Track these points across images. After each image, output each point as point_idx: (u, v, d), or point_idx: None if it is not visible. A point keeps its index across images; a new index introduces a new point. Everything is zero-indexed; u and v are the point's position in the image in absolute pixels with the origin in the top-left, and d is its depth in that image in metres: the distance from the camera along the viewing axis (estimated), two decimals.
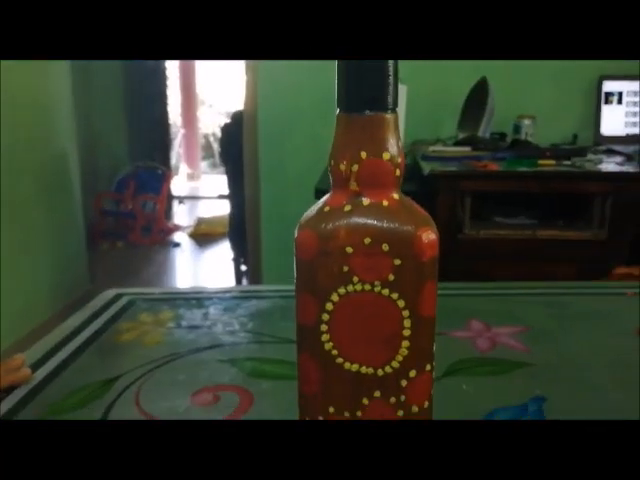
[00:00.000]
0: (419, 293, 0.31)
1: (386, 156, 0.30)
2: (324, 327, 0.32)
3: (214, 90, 6.52)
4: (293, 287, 0.32)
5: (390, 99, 0.30)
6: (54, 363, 0.56)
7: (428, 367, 0.32)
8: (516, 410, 0.45)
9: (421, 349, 0.32)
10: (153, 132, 4.68)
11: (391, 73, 0.30)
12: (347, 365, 0.32)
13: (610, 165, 1.70)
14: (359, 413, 0.32)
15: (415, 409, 0.32)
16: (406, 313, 0.31)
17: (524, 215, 1.69)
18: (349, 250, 0.31)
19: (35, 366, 0.55)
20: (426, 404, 0.33)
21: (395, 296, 0.30)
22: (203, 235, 4.00)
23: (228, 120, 2.51)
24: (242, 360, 0.55)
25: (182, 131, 6.09)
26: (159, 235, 3.94)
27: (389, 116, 0.30)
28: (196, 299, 0.72)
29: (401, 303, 0.30)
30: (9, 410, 0.47)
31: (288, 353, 0.57)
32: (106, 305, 0.71)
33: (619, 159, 1.79)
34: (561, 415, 0.44)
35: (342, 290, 0.31)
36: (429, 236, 0.30)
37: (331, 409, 0.33)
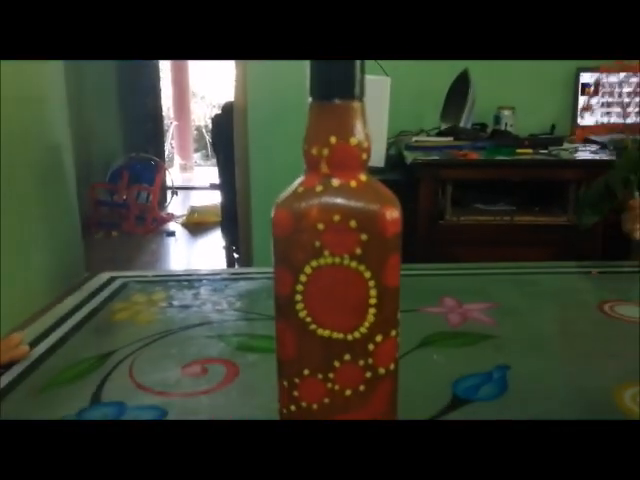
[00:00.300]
0: (383, 265, 0.34)
1: (353, 141, 0.34)
2: (299, 297, 0.35)
3: (206, 82, 6.52)
4: None
5: (357, 89, 0.33)
6: (51, 341, 0.59)
7: (393, 333, 0.35)
8: (481, 377, 0.49)
9: (386, 316, 0.35)
10: (146, 124, 4.69)
11: (358, 65, 0.33)
12: (320, 331, 0.35)
13: (585, 153, 1.75)
14: (331, 375, 0.36)
15: (382, 371, 0.35)
16: (372, 283, 0.34)
17: (503, 202, 1.74)
18: (320, 227, 0.34)
19: (33, 344, 0.58)
20: (392, 367, 0.36)
21: (362, 268, 0.34)
22: (196, 224, 4.02)
23: (219, 111, 2.53)
24: (230, 336, 0.59)
25: (175, 123, 6.09)
26: (153, 224, 3.96)
27: (356, 104, 0.34)
28: (187, 281, 0.76)
29: (367, 274, 0.34)
30: (9, 383, 0.50)
31: (272, 329, 0.60)
32: (100, 287, 0.75)
33: (594, 147, 1.84)
34: (523, 383, 0.48)
35: (314, 263, 0.34)
36: (392, 214, 0.34)
37: (306, 372, 0.36)
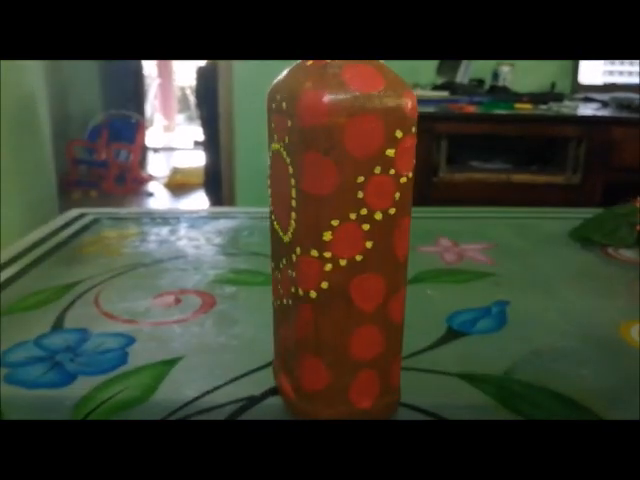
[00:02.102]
0: (300, 164, 0.27)
1: None
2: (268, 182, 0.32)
3: None
4: (262, 209, 0.31)
5: None
6: (13, 270, 0.54)
7: (314, 253, 0.28)
8: (478, 311, 0.45)
9: (307, 229, 0.28)
10: (127, 81, 4.54)
11: None
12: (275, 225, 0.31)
13: (586, 110, 1.71)
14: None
15: (300, 293, 0.29)
16: (292, 182, 0.28)
17: (499, 160, 1.69)
18: (271, 107, 0.30)
19: None
20: (312, 294, 0.28)
21: (288, 160, 0.28)
22: (178, 185, 3.93)
23: (203, 64, 2.44)
24: (207, 269, 0.55)
25: (158, 81, 5.92)
26: (133, 184, 3.86)
27: None
28: (163, 218, 0.71)
29: (290, 169, 0.28)
30: None
31: (253, 264, 0.56)
32: (70, 222, 0.70)
33: (595, 105, 1.80)
34: (523, 318, 0.44)
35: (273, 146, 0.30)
36: (320, 98, 0.25)
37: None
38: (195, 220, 0.70)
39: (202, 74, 2.43)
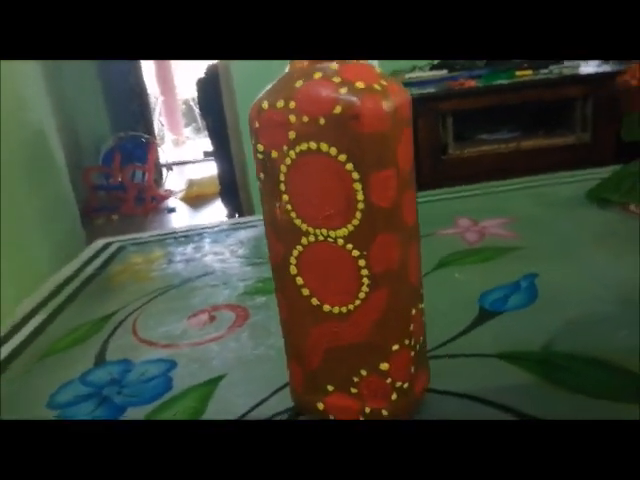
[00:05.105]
0: (370, 176, 0.27)
1: None
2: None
3: None
4: None
5: None
6: (49, 309, 0.56)
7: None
8: (508, 288, 0.45)
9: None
10: (131, 102, 4.59)
11: None
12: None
13: (588, 68, 1.67)
14: None
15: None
16: (357, 193, 0.27)
17: (506, 129, 1.67)
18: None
19: (30, 314, 0.55)
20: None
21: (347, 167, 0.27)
22: (196, 197, 3.97)
23: (203, 75, 2.45)
24: (235, 282, 0.55)
25: (161, 98, 5.97)
26: (152, 203, 3.92)
27: None
28: (185, 236, 0.72)
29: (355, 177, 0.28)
30: (9, 353, 0.47)
31: None
32: (96, 253, 0.71)
33: (596, 62, 1.76)
34: (554, 288, 0.44)
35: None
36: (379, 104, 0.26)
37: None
38: (217, 234, 0.71)
39: (202, 86, 2.45)
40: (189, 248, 0.67)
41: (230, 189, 2.57)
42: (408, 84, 1.71)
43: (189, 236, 0.72)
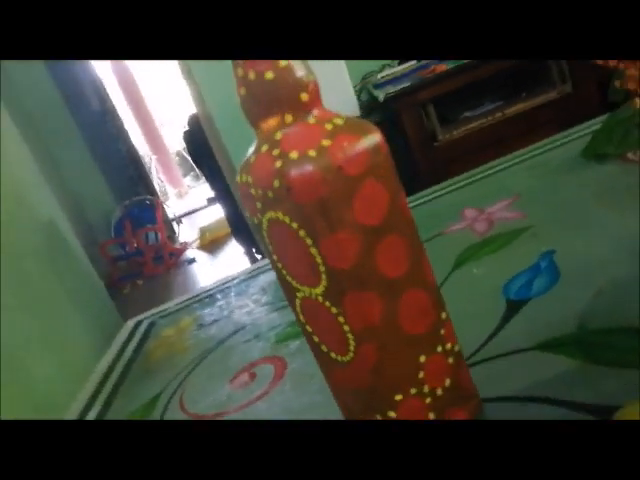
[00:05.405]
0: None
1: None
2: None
3: (167, 107, 6.47)
4: None
5: None
6: (102, 400, 0.57)
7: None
8: (529, 272, 0.45)
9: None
10: (127, 168, 4.67)
11: None
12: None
13: None
14: None
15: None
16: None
17: (487, 101, 1.67)
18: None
19: (87, 406, 0.56)
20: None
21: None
22: (210, 243, 4.01)
23: (186, 127, 2.49)
24: (266, 332, 0.56)
25: (154, 157, 6.06)
26: (171, 259, 3.96)
27: None
28: (209, 297, 0.73)
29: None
30: None
31: None
32: (130, 335, 0.73)
33: None
34: (573, 261, 0.44)
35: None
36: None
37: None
38: (237, 286, 0.72)
39: (189, 138, 2.48)
40: (215, 308, 0.68)
41: (240, 228, 2.59)
42: (382, 84, 1.71)
43: (212, 295, 0.73)
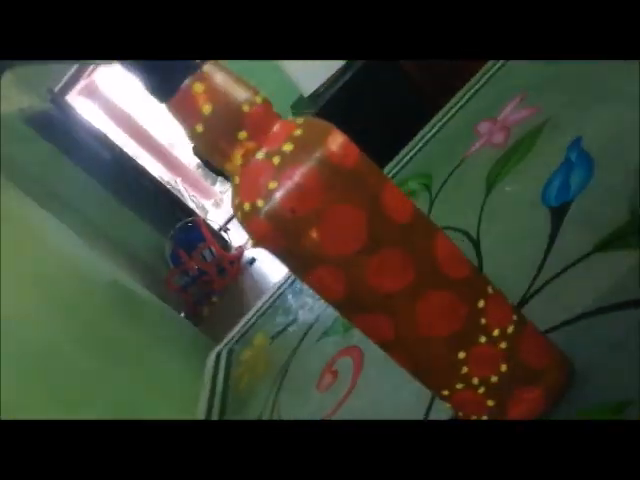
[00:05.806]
0: None
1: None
2: None
3: (169, 127, 6.51)
4: None
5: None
6: None
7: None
8: (562, 171, 0.42)
9: None
10: (158, 200, 4.76)
11: None
12: None
13: None
14: None
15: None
16: None
17: None
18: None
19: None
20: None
21: None
22: None
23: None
24: (332, 325, 0.56)
25: (178, 179, 6.15)
26: (233, 267, 4.04)
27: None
28: (270, 306, 0.73)
29: None
30: None
31: None
32: (215, 370, 0.74)
33: None
34: (604, 142, 0.41)
35: None
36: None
37: None
38: (291, 286, 0.72)
39: (196, 151, 2.48)
40: (279, 316, 0.69)
41: None
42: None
43: (272, 304, 0.73)
